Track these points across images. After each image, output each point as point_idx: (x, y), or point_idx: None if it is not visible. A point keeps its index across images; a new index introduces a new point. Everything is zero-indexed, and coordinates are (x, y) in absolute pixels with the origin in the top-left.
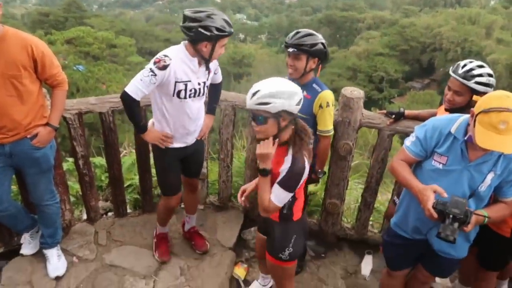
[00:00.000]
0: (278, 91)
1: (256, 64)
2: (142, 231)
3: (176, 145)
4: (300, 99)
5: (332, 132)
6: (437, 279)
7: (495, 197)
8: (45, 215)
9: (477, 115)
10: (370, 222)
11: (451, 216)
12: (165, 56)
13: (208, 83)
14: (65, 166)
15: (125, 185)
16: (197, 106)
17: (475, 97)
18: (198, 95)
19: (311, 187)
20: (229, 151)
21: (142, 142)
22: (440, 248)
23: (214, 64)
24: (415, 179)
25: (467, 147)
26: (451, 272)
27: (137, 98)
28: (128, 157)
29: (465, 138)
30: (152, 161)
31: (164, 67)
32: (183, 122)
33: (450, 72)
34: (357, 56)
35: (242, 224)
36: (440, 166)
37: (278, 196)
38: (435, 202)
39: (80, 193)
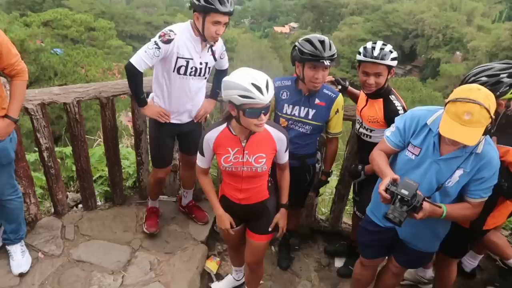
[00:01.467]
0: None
1: (239, 49)
2: (112, 224)
3: (172, 120)
4: None
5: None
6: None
7: (462, 197)
8: (7, 210)
9: (446, 104)
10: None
11: (399, 197)
12: (171, 31)
13: (210, 65)
14: (33, 156)
15: (95, 177)
16: (197, 85)
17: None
18: (199, 75)
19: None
20: None
21: (110, 135)
22: (404, 238)
23: (219, 48)
24: (388, 167)
25: (440, 141)
26: (420, 265)
27: (141, 69)
28: (98, 147)
29: (438, 131)
30: (121, 153)
31: (168, 41)
32: (180, 99)
33: (362, 58)
34: (340, 42)
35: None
36: (413, 157)
37: (287, 157)
38: (388, 184)
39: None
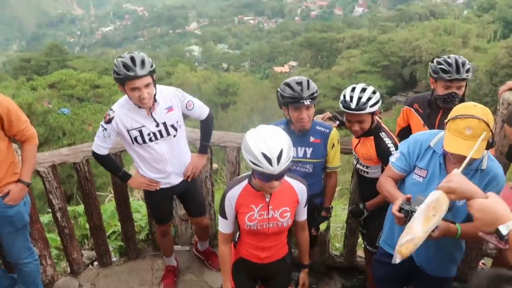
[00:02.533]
0: (287, 138)
1: (241, 92)
2: (128, 279)
3: (162, 186)
4: None
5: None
6: None
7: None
8: (24, 274)
9: (446, 123)
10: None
11: (413, 213)
12: (110, 109)
13: (172, 122)
14: (47, 218)
15: (109, 233)
16: (166, 147)
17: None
18: (162, 136)
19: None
20: (209, 189)
21: (120, 190)
22: (421, 264)
23: (175, 101)
24: (397, 191)
25: (445, 161)
26: None
27: (101, 153)
28: (109, 203)
29: (443, 152)
30: (132, 206)
31: (109, 121)
32: (156, 166)
33: (342, 109)
34: (340, 76)
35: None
36: (421, 180)
37: (306, 214)
38: (401, 203)
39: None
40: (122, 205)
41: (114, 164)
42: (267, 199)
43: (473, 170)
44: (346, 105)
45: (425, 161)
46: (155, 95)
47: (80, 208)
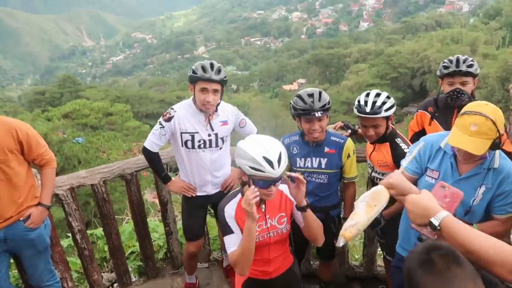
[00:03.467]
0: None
1: (251, 112)
2: None
3: (199, 193)
4: None
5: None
6: None
7: (490, 217)
8: None
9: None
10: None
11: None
12: (171, 108)
13: (223, 135)
14: (66, 242)
15: (128, 253)
16: (211, 156)
17: None
18: (211, 146)
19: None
20: None
21: (137, 210)
22: None
23: (231, 116)
24: (414, 187)
25: (457, 161)
26: None
27: (153, 150)
28: (127, 224)
29: (454, 152)
30: (150, 226)
31: (169, 119)
32: (197, 171)
33: (357, 113)
34: (350, 90)
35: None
36: (433, 181)
37: None
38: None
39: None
40: (140, 224)
41: (160, 163)
42: (263, 209)
43: (486, 169)
44: (361, 109)
45: (437, 163)
46: (217, 105)
47: (99, 231)
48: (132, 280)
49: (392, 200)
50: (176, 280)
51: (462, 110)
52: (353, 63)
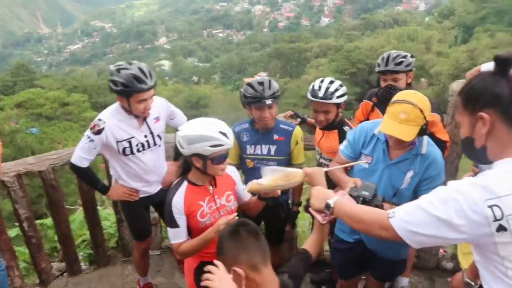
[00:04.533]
0: None
1: (212, 104)
2: (98, 286)
3: (141, 194)
4: None
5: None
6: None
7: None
8: None
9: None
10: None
11: (361, 199)
12: (100, 120)
13: (158, 132)
14: (15, 231)
15: (78, 241)
16: (151, 157)
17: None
18: (149, 147)
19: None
20: None
21: (87, 197)
22: (372, 248)
23: (162, 111)
24: (344, 175)
25: (388, 147)
26: (395, 275)
27: (83, 165)
28: (78, 213)
29: (386, 138)
30: (101, 215)
31: (98, 132)
32: (139, 175)
33: (310, 97)
34: (310, 84)
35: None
36: (366, 166)
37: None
38: (350, 189)
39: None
40: (89, 211)
41: (94, 177)
42: (211, 190)
43: (414, 155)
44: (314, 93)
45: (370, 148)
46: None
47: (49, 221)
48: (82, 268)
49: (333, 184)
50: (127, 268)
51: (393, 99)
52: (314, 57)
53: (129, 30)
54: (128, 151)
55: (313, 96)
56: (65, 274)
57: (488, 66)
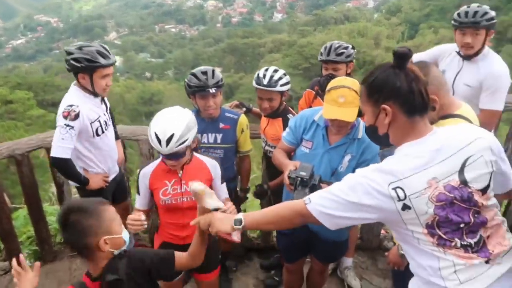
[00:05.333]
0: (187, 124)
1: (166, 100)
2: (45, 282)
3: (111, 177)
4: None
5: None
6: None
7: None
8: None
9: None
10: None
11: (299, 179)
12: (71, 106)
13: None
14: None
15: (22, 238)
16: (110, 137)
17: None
18: (109, 126)
19: (243, 206)
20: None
21: (30, 192)
22: (314, 229)
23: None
24: (287, 159)
25: (328, 133)
26: (338, 256)
27: (68, 156)
28: (21, 210)
29: (325, 124)
30: (47, 211)
31: (76, 117)
32: (109, 154)
33: (255, 85)
34: None
35: None
36: (307, 151)
37: (225, 189)
38: (289, 171)
39: None
40: (33, 207)
41: (74, 168)
42: (179, 174)
43: (351, 140)
44: (259, 81)
45: (310, 134)
46: None
47: None
48: (28, 265)
49: (279, 170)
50: (74, 262)
51: (328, 87)
52: (268, 53)
53: (77, 24)
54: (100, 130)
55: (258, 84)
56: (9, 273)
57: (418, 56)
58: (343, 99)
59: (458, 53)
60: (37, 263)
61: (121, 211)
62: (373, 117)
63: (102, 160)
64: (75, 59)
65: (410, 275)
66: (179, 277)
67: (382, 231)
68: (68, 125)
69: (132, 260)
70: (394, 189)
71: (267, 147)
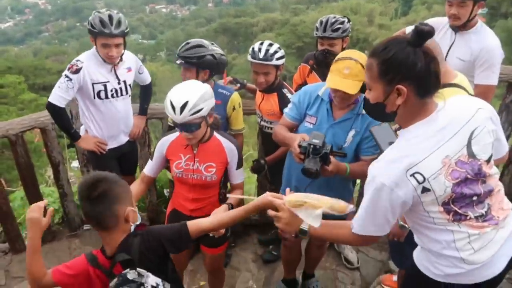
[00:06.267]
0: (203, 93)
1: (159, 82)
2: (44, 262)
3: (111, 146)
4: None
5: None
6: None
7: (358, 158)
8: None
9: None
10: None
11: (311, 146)
12: (77, 60)
13: (130, 82)
14: None
15: (20, 219)
16: (123, 105)
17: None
18: (122, 95)
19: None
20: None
21: (27, 174)
22: None
23: (134, 63)
24: (289, 133)
25: (332, 107)
26: None
27: (61, 105)
28: (19, 191)
29: (329, 99)
30: (43, 192)
31: (77, 71)
32: (112, 123)
33: (250, 59)
34: None
35: None
36: (311, 126)
37: (241, 175)
38: (299, 141)
39: None
40: (30, 187)
41: (68, 119)
42: (195, 151)
43: (355, 115)
44: (254, 55)
45: (314, 109)
46: (122, 55)
47: None
48: (26, 245)
49: (275, 146)
50: (74, 242)
51: (336, 58)
52: (260, 32)
53: (65, 6)
54: (103, 94)
55: (253, 58)
56: (8, 254)
57: (410, 29)
58: (348, 71)
59: (451, 26)
60: (51, 208)
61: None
62: (383, 95)
63: (103, 126)
64: (88, 21)
65: (409, 247)
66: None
67: None
68: (67, 76)
69: (145, 239)
70: (412, 175)
71: (262, 123)
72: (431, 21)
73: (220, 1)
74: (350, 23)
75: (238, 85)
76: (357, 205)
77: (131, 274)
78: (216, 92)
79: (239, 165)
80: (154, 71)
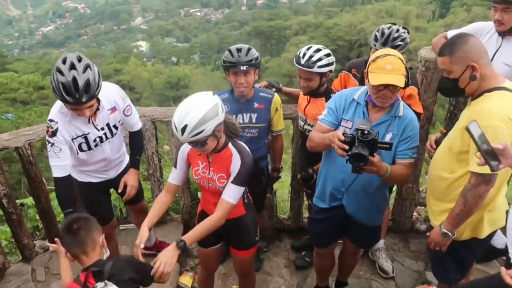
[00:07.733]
0: (206, 113)
1: (192, 85)
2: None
3: (96, 180)
4: (221, 105)
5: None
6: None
7: (394, 162)
8: None
9: (367, 69)
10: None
11: (359, 132)
12: (50, 121)
13: (115, 122)
14: None
15: (60, 218)
16: (110, 146)
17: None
18: (107, 138)
19: (276, 185)
20: (156, 164)
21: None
22: (351, 212)
23: (119, 100)
24: (324, 134)
25: (368, 110)
26: (371, 242)
27: (58, 174)
28: None
29: (366, 99)
30: None
31: (53, 133)
32: (99, 165)
33: (295, 63)
34: (290, 62)
35: (183, 234)
36: (348, 131)
37: (234, 194)
38: (344, 131)
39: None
40: None
41: (66, 192)
42: (210, 160)
43: (392, 117)
44: (298, 60)
45: (350, 113)
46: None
47: (29, 200)
48: None
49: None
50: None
51: (372, 57)
52: (293, 35)
53: (103, 10)
54: (85, 147)
55: (297, 63)
56: (48, 251)
57: (454, 33)
58: (390, 66)
59: (497, 31)
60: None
61: (136, 212)
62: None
63: (87, 167)
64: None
65: (453, 263)
66: (215, 247)
67: (414, 213)
68: (49, 142)
69: (116, 261)
70: None
71: (306, 126)
72: (473, 26)
73: (254, 4)
74: (409, 34)
75: (274, 89)
76: (393, 213)
77: (99, 285)
78: (258, 96)
79: (237, 180)
80: (187, 73)
